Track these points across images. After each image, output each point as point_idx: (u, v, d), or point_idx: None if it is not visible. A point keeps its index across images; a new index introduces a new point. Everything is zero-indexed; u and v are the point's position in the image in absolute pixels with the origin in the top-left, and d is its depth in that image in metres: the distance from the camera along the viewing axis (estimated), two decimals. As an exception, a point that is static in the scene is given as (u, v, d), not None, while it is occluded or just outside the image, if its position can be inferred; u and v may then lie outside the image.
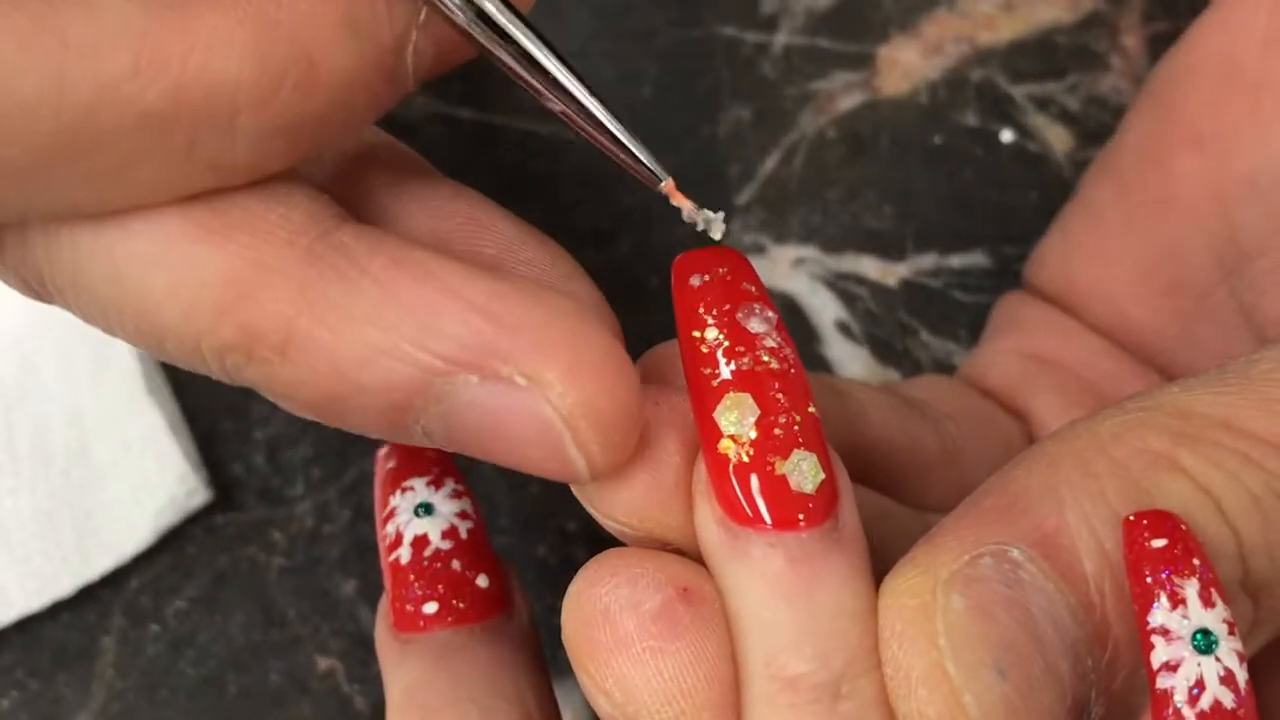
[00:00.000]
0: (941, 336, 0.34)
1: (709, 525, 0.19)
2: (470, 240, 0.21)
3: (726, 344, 0.19)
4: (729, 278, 0.20)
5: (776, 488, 0.18)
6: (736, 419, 0.18)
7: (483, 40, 0.18)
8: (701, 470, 0.19)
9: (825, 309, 0.34)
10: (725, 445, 0.18)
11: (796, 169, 0.35)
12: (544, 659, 0.24)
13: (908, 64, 0.36)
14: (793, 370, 0.19)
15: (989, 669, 0.17)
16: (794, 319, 0.34)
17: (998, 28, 0.36)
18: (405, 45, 0.18)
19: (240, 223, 0.18)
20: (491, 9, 0.18)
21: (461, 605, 0.23)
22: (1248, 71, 0.27)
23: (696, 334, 0.19)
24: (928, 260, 0.34)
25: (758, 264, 0.34)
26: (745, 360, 0.19)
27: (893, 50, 0.36)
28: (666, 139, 0.35)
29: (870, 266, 0.34)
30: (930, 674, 0.17)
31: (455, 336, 0.17)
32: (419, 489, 0.24)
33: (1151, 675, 0.17)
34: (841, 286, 0.34)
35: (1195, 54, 0.29)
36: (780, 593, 0.18)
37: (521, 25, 0.18)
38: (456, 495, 0.24)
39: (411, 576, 0.23)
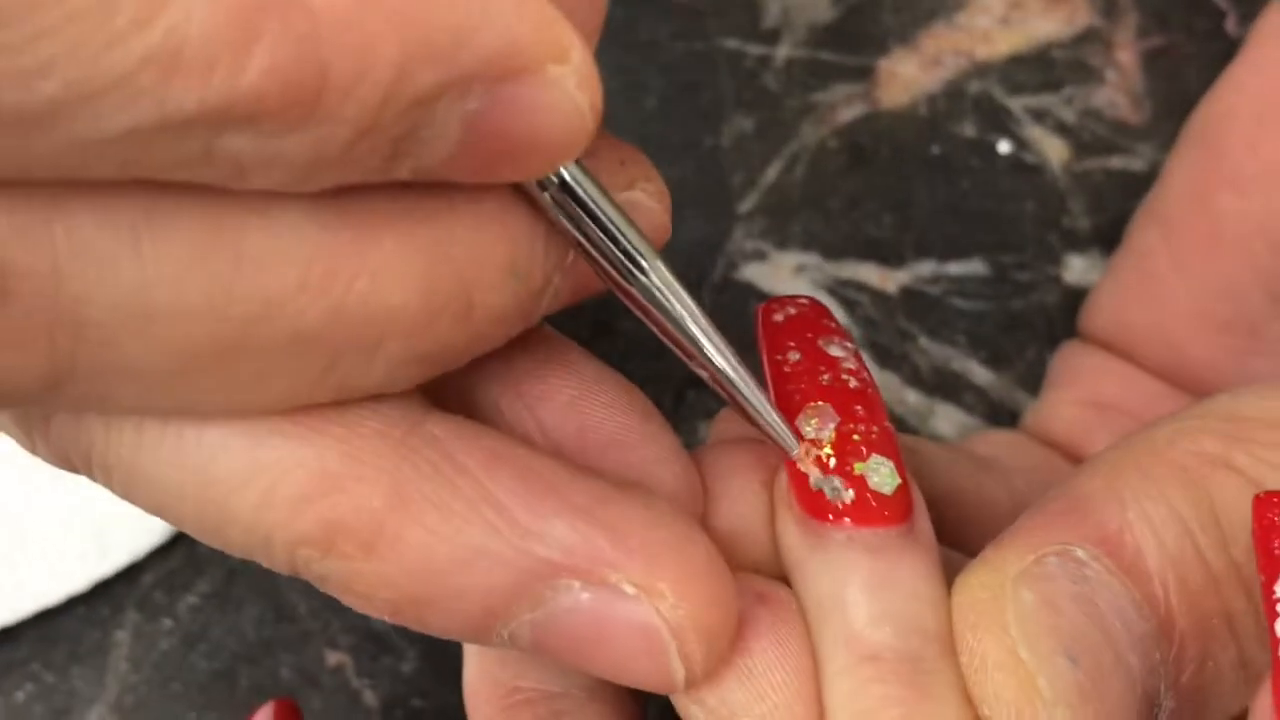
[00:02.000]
0: (939, 342, 0.35)
1: (789, 530, 0.19)
2: (548, 379, 0.20)
3: (808, 364, 0.20)
4: (810, 314, 0.21)
5: (856, 486, 0.19)
6: (816, 425, 0.19)
7: (635, 296, 0.18)
8: (783, 479, 0.20)
9: (826, 315, 0.35)
10: (804, 450, 0.19)
11: (798, 178, 0.36)
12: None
13: (907, 76, 0.37)
14: (870, 390, 0.20)
15: (1060, 656, 0.17)
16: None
17: (995, 42, 0.37)
18: (550, 286, 0.18)
19: (330, 412, 0.17)
20: (654, 281, 0.18)
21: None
22: None
23: (780, 357, 0.20)
24: (926, 268, 0.35)
25: (760, 271, 0.35)
26: (825, 377, 0.20)
27: (892, 63, 0.37)
28: (670, 149, 0.36)
29: (870, 274, 0.35)
30: (1005, 659, 0.17)
31: (561, 541, 0.17)
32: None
33: (1275, 644, 0.17)
34: (842, 293, 0.35)
35: (1232, 97, 0.30)
36: (860, 578, 0.19)
37: (677, 292, 0.18)
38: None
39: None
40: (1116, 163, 0.36)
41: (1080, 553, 0.18)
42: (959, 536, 0.25)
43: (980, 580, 0.18)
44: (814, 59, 0.37)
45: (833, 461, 0.19)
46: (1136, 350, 0.31)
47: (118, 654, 0.32)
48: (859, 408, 0.20)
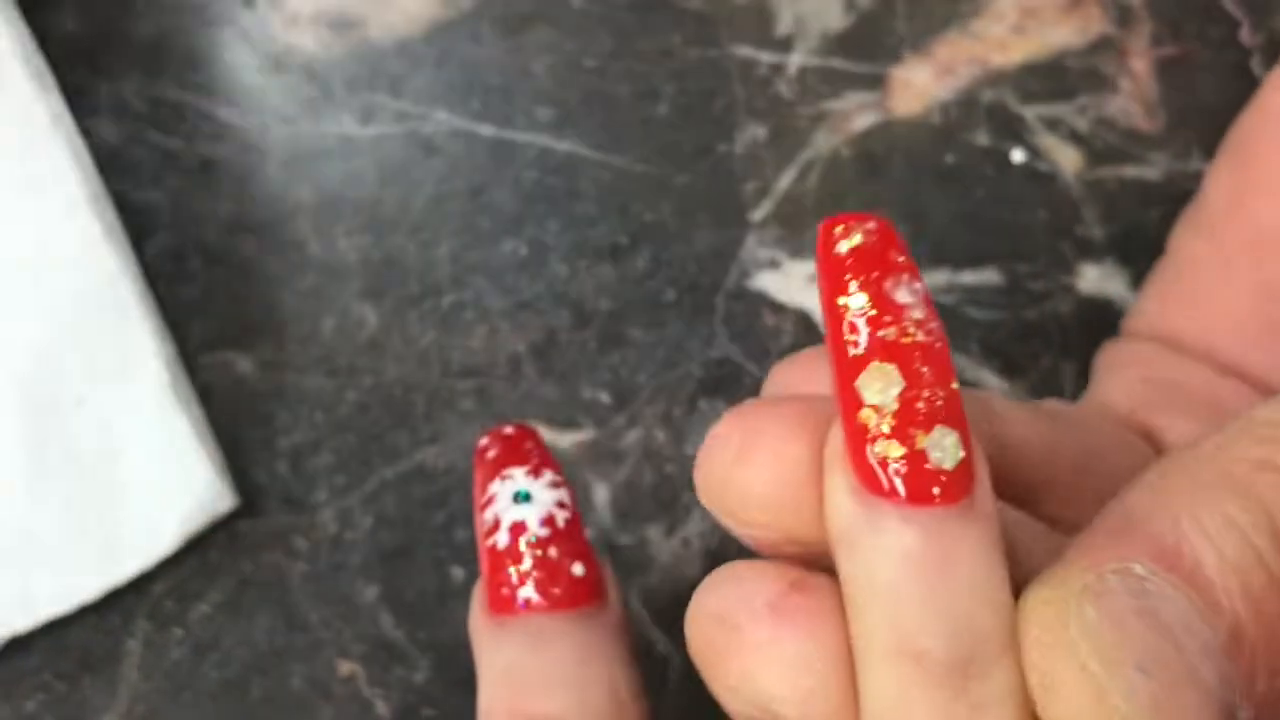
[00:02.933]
0: (954, 351, 0.34)
1: (840, 495, 0.18)
2: None
3: (873, 313, 0.18)
4: (877, 245, 0.19)
5: (915, 461, 0.18)
6: (880, 389, 0.18)
7: None
8: (835, 440, 0.18)
9: (838, 324, 0.35)
10: (866, 415, 0.18)
11: (811, 186, 0.36)
12: (636, 651, 0.24)
13: (920, 85, 0.37)
14: (938, 344, 0.18)
15: (1131, 669, 0.17)
16: (810, 334, 0.35)
17: (1009, 50, 0.37)
18: None
19: None
20: None
21: (557, 591, 0.23)
22: None
23: (842, 301, 0.19)
24: (940, 277, 0.35)
25: (773, 279, 0.35)
26: (891, 331, 0.18)
27: (905, 71, 0.37)
28: (682, 157, 0.36)
29: (883, 282, 0.35)
30: (1077, 677, 0.17)
31: None
32: (518, 477, 0.24)
33: None
34: (855, 302, 0.35)
35: (1265, 109, 0.31)
36: (912, 568, 0.18)
37: None
38: (555, 485, 0.24)
39: (509, 561, 0.23)
40: (1130, 171, 0.36)
41: (1139, 569, 0.18)
42: (1022, 492, 0.24)
43: (1043, 597, 0.18)
44: (827, 67, 0.37)
45: (891, 430, 0.18)
46: (1185, 354, 0.31)
47: (129, 663, 0.32)
48: (926, 369, 0.18)
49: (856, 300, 0.18)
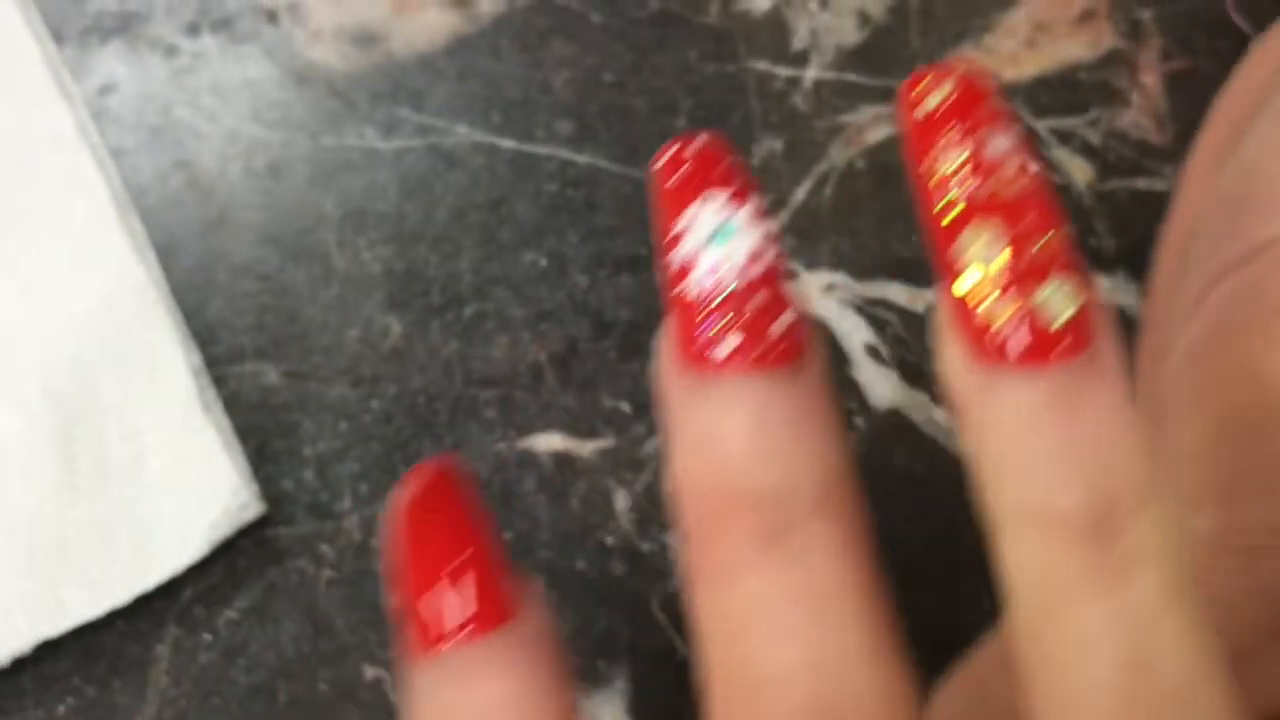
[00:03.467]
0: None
1: (957, 366, 0.17)
2: None
3: (966, 170, 0.17)
4: (965, 96, 0.17)
5: (1029, 319, 0.16)
6: (982, 248, 0.17)
7: None
8: (945, 308, 0.17)
9: (855, 333, 0.36)
10: (971, 276, 0.17)
11: (827, 198, 0.36)
12: (839, 413, 0.20)
13: (934, 98, 0.37)
14: (1042, 187, 0.17)
15: None
16: (825, 343, 0.35)
17: (1021, 64, 0.38)
18: None
19: None
20: None
21: (763, 346, 0.19)
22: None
23: (929, 164, 0.17)
24: (954, 287, 0.36)
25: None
26: (986, 187, 0.17)
27: (919, 85, 0.37)
28: (700, 169, 0.37)
29: (898, 293, 0.36)
30: None
31: None
32: (716, 207, 0.20)
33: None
34: (870, 312, 0.36)
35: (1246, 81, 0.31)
36: (1037, 428, 0.16)
37: None
38: (758, 217, 0.20)
39: (707, 308, 0.19)
40: (1141, 184, 0.36)
41: None
42: None
43: None
44: (842, 80, 0.37)
45: (1001, 289, 0.17)
46: None
47: (158, 668, 0.32)
48: (1031, 215, 0.17)
49: (947, 159, 0.17)
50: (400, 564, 0.19)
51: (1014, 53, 0.38)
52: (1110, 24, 0.38)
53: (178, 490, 0.33)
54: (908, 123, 0.18)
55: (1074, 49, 0.38)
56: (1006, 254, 0.17)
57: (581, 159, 0.37)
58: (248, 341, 0.35)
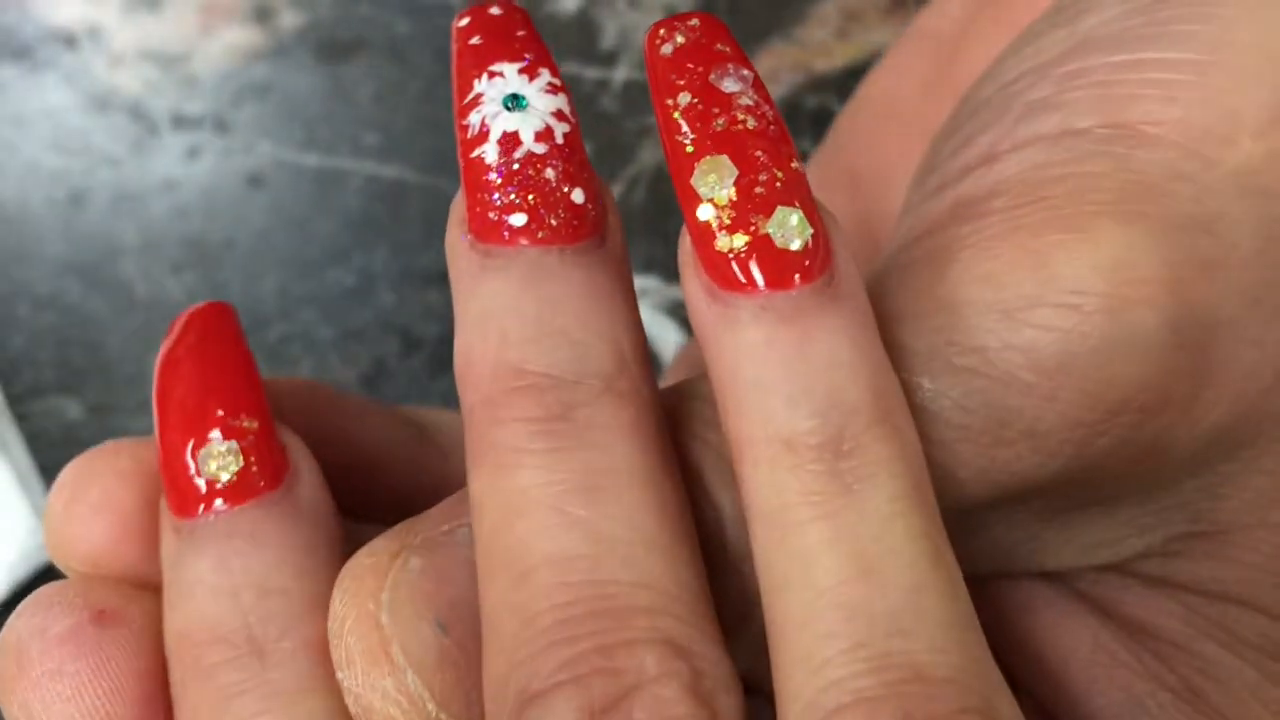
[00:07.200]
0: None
1: (698, 299, 0.17)
2: None
3: (700, 107, 0.17)
4: (701, 40, 0.18)
5: (763, 248, 0.17)
6: (714, 181, 0.17)
7: None
8: (686, 242, 0.18)
9: (669, 337, 0.35)
10: (705, 210, 0.17)
11: (637, 201, 0.36)
12: (634, 292, 0.21)
13: (746, 93, 0.37)
14: (772, 127, 0.18)
15: (426, 623, 0.17)
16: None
17: (833, 54, 0.37)
18: None
19: None
20: None
21: (554, 220, 0.19)
22: (905, 114, 0.27)
23: (669, 101, 0.18)
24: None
25: (600, 297, 0.35)
26: (720, 121, 0.18)
27: (732, 80, 0.37)
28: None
29: (709, 295, 0.35)
30: (361, 624, 0.17)
31: None
32: (510, 76, 0.19)
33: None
34: (683, 315, 0.35)
35: (864, 96, 0.30)
36: (773, 354, 0.17)
37: None
38: (553, 90, 0.20)
39: (497, 179, 0.19)
40: (957, 171, 0.36)
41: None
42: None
43: (372, 548, 0.17)
44: (652, 80, 0.37)
45: (733, 221, 0.17)
46: None
47: None
48: (759, 153, 0.17)
49: (683, 98, 0.18)
50: (159, 419, 0.19)
51: (824, 43, 0.37)
52: (919, 8, 0.37)
53: (-27, 533, 0.32)
54: (650, 67, 0.18)
55: (885, 36, 0.37)
56: (736, 187, 0.17)
57: (388, 172, 0.36)
58: (50, 376, 0.34)
